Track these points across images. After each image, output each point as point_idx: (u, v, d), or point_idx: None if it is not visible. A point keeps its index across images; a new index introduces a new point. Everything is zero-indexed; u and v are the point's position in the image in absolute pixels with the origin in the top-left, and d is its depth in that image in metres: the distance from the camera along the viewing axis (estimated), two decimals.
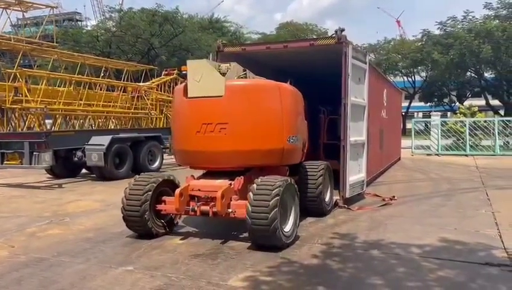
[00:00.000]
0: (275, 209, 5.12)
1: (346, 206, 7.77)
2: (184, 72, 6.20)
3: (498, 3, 32.96)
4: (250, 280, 4.39)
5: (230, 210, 5.57)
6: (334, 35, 7.85)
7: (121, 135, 12.91)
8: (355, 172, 8.26)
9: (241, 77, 6.32)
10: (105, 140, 11.86)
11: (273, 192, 5.21)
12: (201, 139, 5.90)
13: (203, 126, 5.87)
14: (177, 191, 5.80)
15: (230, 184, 5.79)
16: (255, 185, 5.38)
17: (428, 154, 19.54)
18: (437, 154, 19.28)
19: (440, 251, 5.27)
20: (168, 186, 6.24)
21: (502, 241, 5.58)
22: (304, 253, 5.25)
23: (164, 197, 6.03)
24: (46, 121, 15.02)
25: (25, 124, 14.57)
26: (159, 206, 5.98)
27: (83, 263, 4.97)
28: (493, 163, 15.63)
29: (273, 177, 5.56)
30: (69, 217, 7.46)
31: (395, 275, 4.54)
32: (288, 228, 5.53)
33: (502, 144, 19.45)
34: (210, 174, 6.28)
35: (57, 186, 11.32)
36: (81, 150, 11.97)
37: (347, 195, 7.85)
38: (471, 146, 19.27)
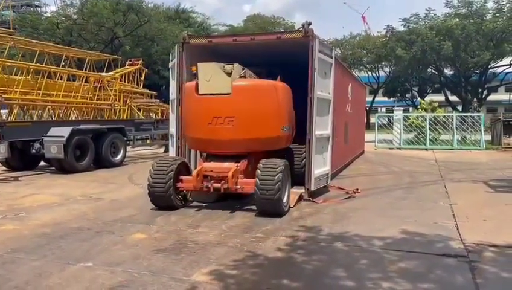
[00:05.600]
0: (279, 184, 6.46)
1: (311, 199, 7.83)
2: (194, 72, 7.21)
3: (458, 2, 34.06)
4: (214, 274, 4.34)
5: (238, 186, 6.85)
6: (301, 29, 7.86)
7: (82, 127, 12.51)
8: (320, 165, 8.33)
9: (242, 76, 7.34)
10: (65, 131, 11.47)
11: (277, 170, 6.55)
12: (213, 130, 7.13)
13: (214, 119, 7.08)
14: (195, 172, 7.16)
15: (237, 166, 7.01)
16: (261, 165, 6.69)
17: (390, 148, 20.04)
18: (399, 148, 19.80)
19: (401, 242, 5.40)
20: (182, 167, 7.40)
21: (459, 232, 5.77)
22: (268, 246, 5.25)
23: (182, 177, 7.18)
24: (2, 111, 14.32)
25: None
26: (179, 184, 7.14)
27: (38, 260, 4.77)
28: (451, 157, 16.22)
29: (274, 160, 6.93)
30: (24, 212, 7.15)
31: (358, 267, 4.62)
32: (285, 199, 6.84)
33: (460, 138, 20.20)
34: (215, 157, 7.40)
35: (12, 179, 10.85)
36: (39, 141, 11.52)
37: (312, 188, 7.91)
38: (431, 140, 19.91)
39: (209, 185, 6.93)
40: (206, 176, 7.07)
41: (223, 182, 6.87)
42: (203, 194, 7.43)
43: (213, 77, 7.07)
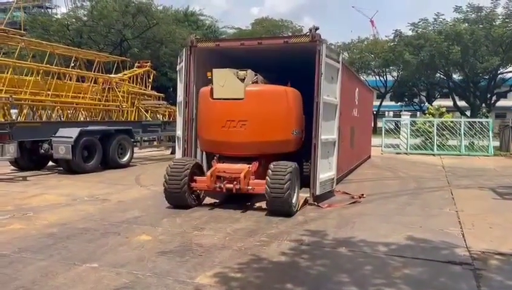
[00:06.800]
0: (288, 186, 6.75)
1: (316, 203, 7.83)
2: (209, 77, 7.54)
3: (467, 7, 33.88)
4: (218, 277, 4.37)
5: (249, 187, 7.18)
6: (308, 34, 7.88)
7: (90, 128, 12.61)
8: (325, 170, 8.32)
9: (254, 81, 7.69)
10: (73, 132, 11.57)
11: (287, 172, 6.87)
12: (226, 133, 7.47)
13: (227, 122, 7.45)
14: (208, 172, 7.46)
15: (249, 167, 7.35)
16: (271, 167, 6.99)
17: (397, 153, 19.94)
18: (406, 153, 19.70)
19: (406, 249, 5.38)
20: (196, 168, 7.71)
21: (465, 240, 5.74)
22: (272, 250, 5.26)
23: (196, 177, 7.50)
24: (12, 111, 14.48)
25: None
26: (194, 184, 7.45)
27: (45, 260, 4.82)
28: (458, 163, 16.12)
29: (284, 162, 7.18)
30: (32, 212, 7.22)
31: (362, 272, 4.61)
32: (294, 200, 7.11)
33: (467, 144, 20.05)
34: (228, 159, 7.67)
35: (21, 179, 10.96)
36: (47, 142, 11.63)
37: (317, 192, 7.91)
38: (438, 146, 19.79)
39: (222, 186, 7.28)
40: (219, 177, 7.40)
41: (235, 182, 7.20)
42: (215, 193, 7.77)
43: (227, 82, 7.44)
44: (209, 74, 7.58)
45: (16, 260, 4.84)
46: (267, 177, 6.91)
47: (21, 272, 4.47)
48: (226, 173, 7.38)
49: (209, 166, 8.14)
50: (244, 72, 7.53)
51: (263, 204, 7.31)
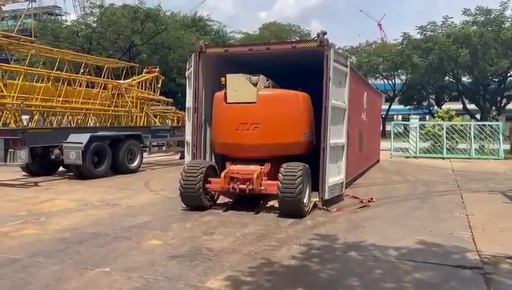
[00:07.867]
0: (300, 185, 6.96)
1: (325, 207, 7.82)
2: (223, 83, 7.82)
3: (476, 10, 33.71)
4: (229, 281, 4.39)
5: (262, 188, 7.40)
6: (316, 38, 7.92)
7: (100, 133, 12.73)
8: (334, 174, 8.32)
9: (267, 86, 8.01)
10: (83, 138, 11.68)
11: (298, 172, 7.07)
12: (239, 135, 7.73)
13: (241, 125, 7.71)
14: (222, 174, 7.66)
15: (261, 169, 7.58)
16: (283, 168, 7.21)
17: (406, 157, 19.83)
18: (415, 157, 19.59)
19: (416, 253, 5.37)
20: (211, 170, 7.95)
21: (475, 244, 5.71)
22: (282, 254, 5.28)
23: (210, 179, 7.75)
24: (23, 117, 14.70)
25: (0, 120, 14.21)
26: (208, 185, 7.70)
27: (57, 264, 4.88)
28: (468, 166, 15.99)
29: (295, 163, 7.37)
30: (44, 217, 7.31)
31: (372, 276, 4.62)
32: (305, 199, 7.30)
33: (477, 147, 19.87)
34: (241, 160, 7.89)
35: (32, 184, 11.09)
36: (58, 147, 11.76)
37: (326, 197, 7.90)
38: (447, 149, 19.65)
39: (236, 187, 7.49)
40: (232, 178, 7.60)
41: (248, 183, 7.42)
42: (229, 193, 8.07)
43: (240, 87, 7.70)
44: (223, 79, 7.80)
45: (29, 264, 4.91)
46: (279, 178, 7.11)
47: (34, 276, 4.54)
48: (239, 174, 7.60)
49: (219, 169, 8.24)
50: (257, 77, 7.78)
51: (275, 203, 7.49)
